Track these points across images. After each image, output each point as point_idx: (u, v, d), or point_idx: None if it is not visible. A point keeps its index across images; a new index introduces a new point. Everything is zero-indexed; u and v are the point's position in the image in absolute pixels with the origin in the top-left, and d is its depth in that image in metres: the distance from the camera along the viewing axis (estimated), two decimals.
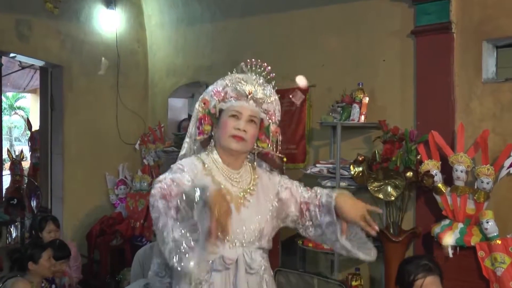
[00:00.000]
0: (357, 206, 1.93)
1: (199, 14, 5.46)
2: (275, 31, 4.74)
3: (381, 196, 3.64)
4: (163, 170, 2.09)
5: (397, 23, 4.00)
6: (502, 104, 3.58)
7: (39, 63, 5.46)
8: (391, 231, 3.71)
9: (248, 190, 1.98)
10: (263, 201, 2.00)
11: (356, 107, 3.92)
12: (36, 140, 6.48)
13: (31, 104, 12.76)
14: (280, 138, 2.12)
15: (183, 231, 1.54)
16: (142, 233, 5.17)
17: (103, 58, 5.49)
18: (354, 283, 3.76)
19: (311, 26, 4.51)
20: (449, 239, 3.35)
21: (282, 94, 4.57)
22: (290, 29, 4.65)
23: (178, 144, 5.15)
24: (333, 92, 4.22)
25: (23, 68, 7.56)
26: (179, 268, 1.52)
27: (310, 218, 2.05)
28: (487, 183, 3.37)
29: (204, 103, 2.04)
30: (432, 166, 3.56)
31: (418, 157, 3.65)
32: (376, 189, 3.66)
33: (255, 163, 2.11)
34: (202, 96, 2.08)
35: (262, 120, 2.04)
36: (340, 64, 4.31)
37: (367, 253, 1.99)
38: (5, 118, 17.13)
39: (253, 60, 2.04)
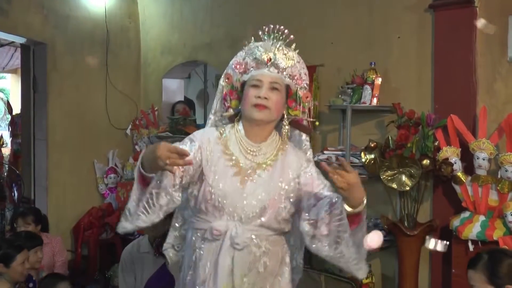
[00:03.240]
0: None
1: None
2: (280, 5, 4.71)
3: (394, 185, 3.64)
4: None
5: None
6: None
7: (19, 40, 5.44)
8: (406, 224, 3.73)
9: (263, 165, 2.07)
10: (277, 179, 2.07)
11: (368, 89, 3.91)
12: (17, 124, 6.49)
13: (11, 86, 12.72)
14: (311, 103, 2.20)
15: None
16: None
17: None
18: (364, 281, 3.77)
19: (319, 0, 4.49)
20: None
21: None
22: (296, 3, 4.63)
23: (173, 129, 5.16)
24: (343, 73, 4.21)
25: (2, 45, 7.55)
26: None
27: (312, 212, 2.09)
28: None
29: (228, 78, 2.18)
30: (451, 153, 3.55)
31: (436, 144, 3.65)
32: (389, 178, 3.65)
33: (288, 136, 2.18)
34: (225, 71, 2.22)
35: (289, 87, 2.12)
36: (351, 42, 4.29)
37: (358, 268, 2.03)
38: None
39: (271, 25, 2.14)
